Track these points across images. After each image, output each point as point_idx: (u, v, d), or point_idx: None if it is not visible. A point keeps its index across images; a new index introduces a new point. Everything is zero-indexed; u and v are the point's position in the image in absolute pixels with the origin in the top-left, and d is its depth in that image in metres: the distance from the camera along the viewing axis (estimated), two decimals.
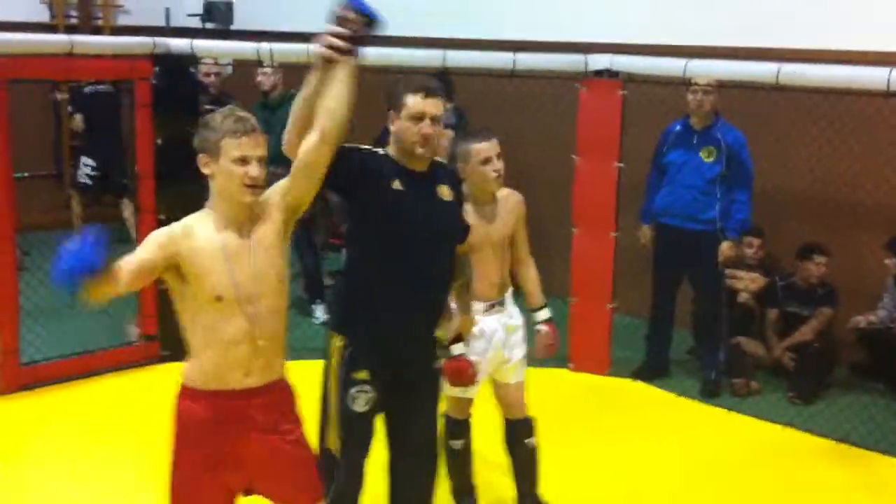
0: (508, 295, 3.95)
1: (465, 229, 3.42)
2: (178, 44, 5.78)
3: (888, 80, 4.53)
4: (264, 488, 2.90)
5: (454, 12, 7.62)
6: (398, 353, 3.19)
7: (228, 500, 2.89)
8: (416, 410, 3.31)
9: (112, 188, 8.15)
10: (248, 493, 2.92)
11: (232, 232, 2.74)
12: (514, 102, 6.60)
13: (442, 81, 3.78)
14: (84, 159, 8.06)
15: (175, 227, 2.74)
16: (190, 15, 9.16)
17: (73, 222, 8.22)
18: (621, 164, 5.67)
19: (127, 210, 7.96)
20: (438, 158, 3.31)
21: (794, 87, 5.00)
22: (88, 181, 8.02)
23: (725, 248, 5.55)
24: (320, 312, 6.60)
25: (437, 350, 3.45)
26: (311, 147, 2.80)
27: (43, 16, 9.11)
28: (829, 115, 5.62)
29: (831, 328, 5.87)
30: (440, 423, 3.54)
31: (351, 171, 3.03)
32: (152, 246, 2.69)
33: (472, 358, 3.58)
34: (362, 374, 3.15)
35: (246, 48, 5.67)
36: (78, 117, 8.20)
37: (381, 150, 3.20)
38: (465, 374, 3.54)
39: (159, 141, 5.66)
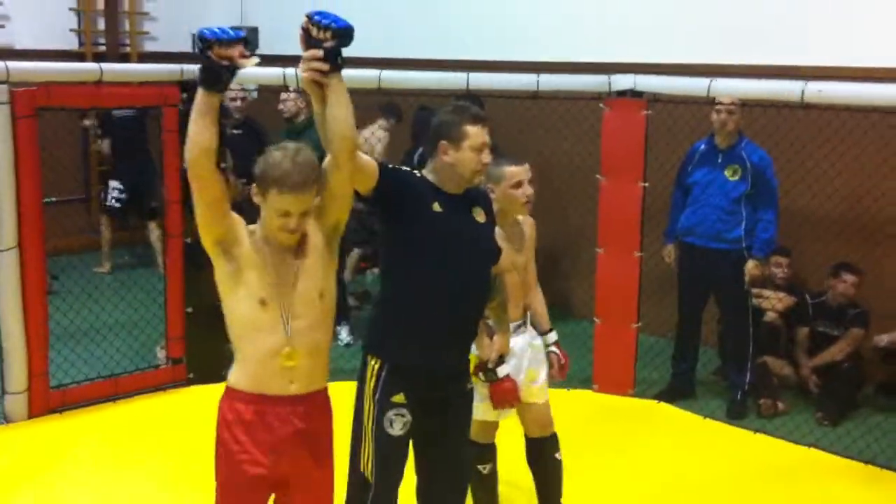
0: (528, 316, 3.96)
1: (499, 250, 3.44)
2: None
3: None
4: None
5: (477, 35, 7.67)
6: (435, 374, 3.19)
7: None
8: (449, 433, 3.29)
9: (139, 211, 8.24)
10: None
11: (277, 245, 2.86)
12: (538, 124, 6.60)
13: (479, 105, 3.80)
14: (112, 183, 8.16)
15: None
16: None
17: (102, 246, 8.32)
18: (646, 184, 5.66)
19: (153, 234, 8.05)
20: None
21: (820, 104, 4.99)
22: (116, 203, 8.11)
23: (751, 267, 5.52)
24: (345, 334, 6.61)
25: (479, 372, 3.48)
26: (329, 172, 2.88)
27: (72, 44, 9.25)
28: (854, 133, 5.59)
29: (860, 349, 5.81)
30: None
31: (395, 190, 3.07)
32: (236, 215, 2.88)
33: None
34: (399, 398, 3.14)
35: (271, 73, 5.72)
36: (105, 142, 8.31)
37: (417, 172, 3.23)
38: (513, 395, 3.56)
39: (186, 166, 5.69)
